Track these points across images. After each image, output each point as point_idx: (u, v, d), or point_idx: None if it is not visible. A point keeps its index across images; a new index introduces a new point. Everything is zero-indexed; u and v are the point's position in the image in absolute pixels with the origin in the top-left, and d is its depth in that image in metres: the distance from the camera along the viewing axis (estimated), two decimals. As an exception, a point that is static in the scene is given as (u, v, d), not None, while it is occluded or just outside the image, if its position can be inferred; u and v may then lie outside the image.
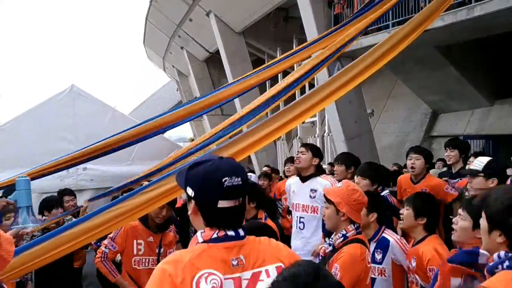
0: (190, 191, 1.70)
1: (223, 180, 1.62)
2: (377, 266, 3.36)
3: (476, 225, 2.23)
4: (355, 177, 4.33)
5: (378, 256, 3.38)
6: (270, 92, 4.05)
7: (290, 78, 3.89)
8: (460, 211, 2.62)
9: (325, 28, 11.26)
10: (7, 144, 5.11)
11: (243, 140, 3.09)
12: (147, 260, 3.82)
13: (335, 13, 11.80)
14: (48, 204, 4.86)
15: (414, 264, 3.13)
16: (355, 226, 2.77)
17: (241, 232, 1.70)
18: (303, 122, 15.59)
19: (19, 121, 5.50)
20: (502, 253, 1.68)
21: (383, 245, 3.37)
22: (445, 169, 7.63)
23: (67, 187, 5.33)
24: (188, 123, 26.45)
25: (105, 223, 2.86)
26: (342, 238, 2.75)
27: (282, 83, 3.91)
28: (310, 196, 4.20)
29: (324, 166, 12.18)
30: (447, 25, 8.66)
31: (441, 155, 11.38)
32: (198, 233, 1.70)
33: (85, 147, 4.54)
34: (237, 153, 3.06)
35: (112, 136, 4.47)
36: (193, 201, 1.71)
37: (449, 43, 10.89)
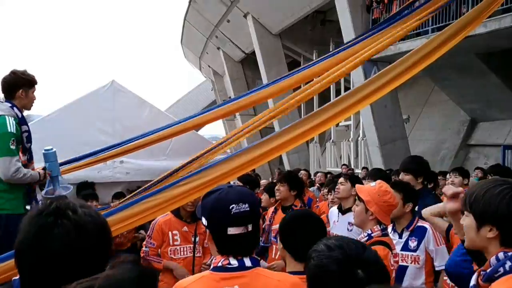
0: (204, 221, 1.79)
1: (230, 207, 1.70)
2: (410, 253, 3.37)
3: None
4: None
5: (413, 244, 3.39)
6: (301, 91, 4.05)
7: (323, 80, 3.88)
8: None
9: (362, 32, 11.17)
10: (49, 135, 5.28)
11: (276, 139, 3.12)
12: (183, 249, 3.96)
13: (373, 17, 11.72)
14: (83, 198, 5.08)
15: None
16: (382, 227, 2.77)
17: (247, 263, 1.73)
18: (337, 125, 15.48)
19: (62, 113, 5.69)
20: (500, 254, 1.58)
21: (420, 232, 3.39)
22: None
23: (86, 180, 5.46)
24: (222, 123, 26.72)
25: (140, 213, 2.97)
26: (367, 237, 2.74)
27: (315, 84, 3.89)
28: (348, 229, 4.18)
29: (357, 171, 12.16)
30: (490, 32, 8.47)
31: (478, 164, 11.13)
32: (211, 259, 1.79)
33: (125, 143, 4.68)
34: (269, 152, 3.10)
35: (150, 134, 4.60)
36: (207, 230, 1.80)
37: (491, 50, 10.63)
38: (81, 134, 5.55)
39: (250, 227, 1.73)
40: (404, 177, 4.06)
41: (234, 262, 1.71)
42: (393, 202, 2.81)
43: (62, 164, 4.62)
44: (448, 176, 6.31)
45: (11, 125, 3.32)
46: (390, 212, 2.83)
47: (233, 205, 1.70)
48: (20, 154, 3.53)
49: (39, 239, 1.10)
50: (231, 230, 1.70)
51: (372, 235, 2.74)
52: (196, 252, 3.99)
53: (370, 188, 2.82)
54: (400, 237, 3.45)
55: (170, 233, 3.95)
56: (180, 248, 3.95)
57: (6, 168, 3.29)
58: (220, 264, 1.71)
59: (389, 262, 2.68)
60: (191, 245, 3.98)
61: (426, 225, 3.40)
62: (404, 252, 3.39)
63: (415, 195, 3.51)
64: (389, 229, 3.45)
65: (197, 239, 4.00)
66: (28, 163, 3.62)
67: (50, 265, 1.09)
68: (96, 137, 5.56)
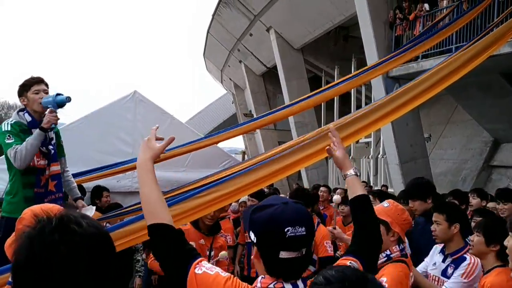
0: (252, 236, 1.64)
1: (286, 230, 1.55)
2: (446, 279, 3.16)
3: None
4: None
5: (450, 271, 3.17)
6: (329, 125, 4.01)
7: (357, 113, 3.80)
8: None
9: (385, 49, 11.13)
10: (71, 143, 5.38)
11: (295, 154, 3.10)
12: None
13: (396, 34, 11.66)
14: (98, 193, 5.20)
15: None
16: (401, 247, 2.72)
17: (300, 286, 1.59)
18: (357, 142, 15.39)
19: (84, 122, 5.79)
20: None
21: (459, 261, 3.14)
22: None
23: (102, 185, 5.50)
24: (241, 136, 26.80)
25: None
26: (386, 258, 2.68)
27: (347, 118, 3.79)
28: None
29: (376, 189, 12.03)
30: (515, 52, 8.35)
31: (501, 185, 10.89)
32: (259, 278, 1.64)
33: None
34: (288, 167, 3.08)
35: (171, 149, 4.61)
36: (255, 247, 1.65)
37: (516, 71, 10.48)
38: (102, 143, 5.64)
39: (304, 251, 1.58)
40: (414, 203, 3.96)
41: (288, 286, 1.57)
42: (410, 220, 2.81)
43: (83, 173, 4.68)
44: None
45: (5, 125, 3.53)
46: (406, 230, 2.80)
47: (289, 227, 1.55)
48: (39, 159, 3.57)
49: (45, 259, 1.03)
50: (283, 254, 1.55)
51: (392, 255, 2.69)
52: None
53: (387, 209, 2.77)
54: (444, 260, 3.25)
55: None
56: None
57: (12, 160, 3.42)
58: (271, 286, 1.59)
59: (409, 281, 2.63)
60: (206, 260, 3.95)
61: (468, 256, 3.17)
62: (442, 277, 3.21)
63: (460, 215, 3.29)
64: (439, 248, 3.31)
65: (212, 253, 3.96)
66: (47, 166, 3.63)
67: (57, 283, 1.04)
68: (116, 146, 5.64)
